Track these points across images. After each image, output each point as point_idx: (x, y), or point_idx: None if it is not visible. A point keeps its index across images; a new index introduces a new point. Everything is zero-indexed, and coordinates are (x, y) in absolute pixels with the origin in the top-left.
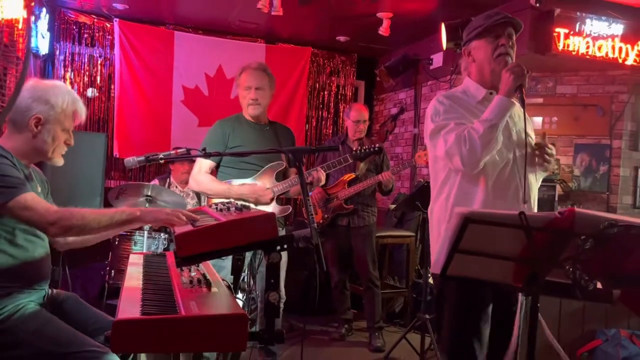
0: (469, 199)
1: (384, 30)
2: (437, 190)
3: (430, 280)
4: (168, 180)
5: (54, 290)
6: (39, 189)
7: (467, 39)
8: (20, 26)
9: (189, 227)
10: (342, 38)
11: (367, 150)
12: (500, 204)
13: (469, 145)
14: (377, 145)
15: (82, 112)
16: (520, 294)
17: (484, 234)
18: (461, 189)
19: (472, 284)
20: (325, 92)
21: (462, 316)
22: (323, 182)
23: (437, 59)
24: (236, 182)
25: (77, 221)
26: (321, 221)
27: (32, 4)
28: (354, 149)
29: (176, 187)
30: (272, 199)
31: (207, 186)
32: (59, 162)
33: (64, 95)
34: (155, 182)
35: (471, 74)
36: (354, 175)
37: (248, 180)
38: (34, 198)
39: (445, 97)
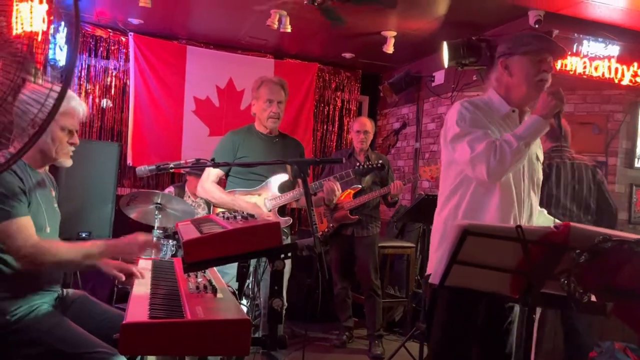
0: (482, 211)
1: (387, 48)
2: (447, 196)
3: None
4: (184, 189)
5: (65, 291)
6: (53, 193)
7: (508, 52)
8: (39, 38)
9: (196, 234)
10: (347, 55)
11: (369, 166)
12: (510, 219)
13: (500, 157)
14: (379, 162)
15: (79, 108)
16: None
17: (482, 246)
18: (474, 199)
19: (465, 298)
20: (331, 107)
21: (451, 330)
22: (338, 191)
23: (439, 77)
24: (239, 191)
25: (50, 257)
26: (326, 230)
27: (52, 17)
28: (360, 161)
29: (189, 196)
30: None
31: (213, 195)
32: (67, 162)
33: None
34: (171, 189)
35: (500, 87)
36: (359, 187)
37: (252, 192)
38: (20, 227)
39: (470, 104)
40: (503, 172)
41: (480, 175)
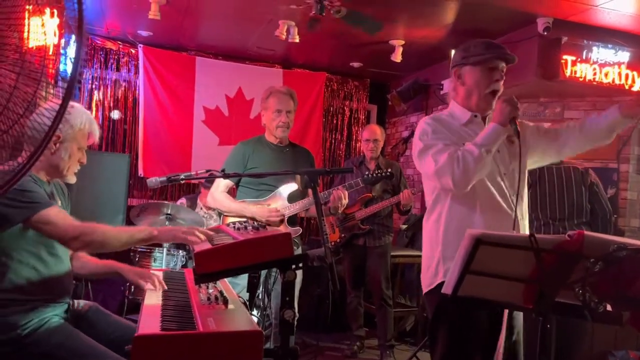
0: (463, 222)
1: (395, 56)
2: (429, 210)
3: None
4: (196, 201)
5: (76, 302)
6: (59, 203)
7: (461, 62)
8: (51, 52)
9: (207, 246)
10: (355, 64)
11: (378, 175)
12: (492, 227)
13: (462, 166)
14: (388, 170)
15: (97, 132)
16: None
17: (495, 256)
18: (453, 211)
19: (469, 308)
20: (339, 116)
21: (458, 339)
22: (345, 200)
23: (447, 85)
24: (249, 201)
25: (98, 237)
26: (338, 240)
27: (63, 31)
28: (371, 169)
29: (201, 208)
30: (282, 221)
31: (223, 203)
32: (72, 179)
33: (82, 115)
34: (183, 200)
35: (457, 97)
36: (370, 196)
37: (261, 201)
38: (58, 213)
39: (432, 119)
40: (468, 181)
41: (447, 185)
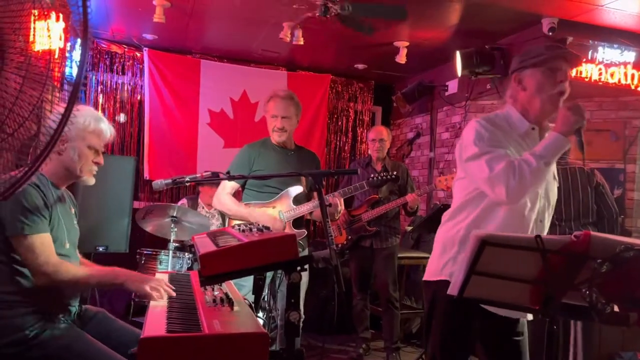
0: (483, 225)
1: (400, 58)
2: (453, 211)
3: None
4: (197, 201)
5: (84, 307)
6: (73, 211)
7: (521, 66)
8: (56, 55)
9: (213, 248)
10: (360, 66)
11: (383, 177)
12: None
13: (519, 178)
14: (393, 173)
15: (107, 130)
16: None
17: (501, 257)
18: (480, 219)
19: (464, 304)
20: (344, 118)
21: (449, 337)
22: (340, 207)
23: (452, 86)
24: (254, 203)
25: (68, 279)
26: (345, 242)
27: (69, 35)
28: (378, 170)
29: (203, 207)
30: (283, 229)
31: (228, 206)
32: (90, 180)
33: (85, 114)
34: (184, 201)
35: (516, 103)
36: (376, 198)
37: (266, 204)
38: (43, 243)
39: (489, 123)
40: (523, 193)
41: (500, 196)
